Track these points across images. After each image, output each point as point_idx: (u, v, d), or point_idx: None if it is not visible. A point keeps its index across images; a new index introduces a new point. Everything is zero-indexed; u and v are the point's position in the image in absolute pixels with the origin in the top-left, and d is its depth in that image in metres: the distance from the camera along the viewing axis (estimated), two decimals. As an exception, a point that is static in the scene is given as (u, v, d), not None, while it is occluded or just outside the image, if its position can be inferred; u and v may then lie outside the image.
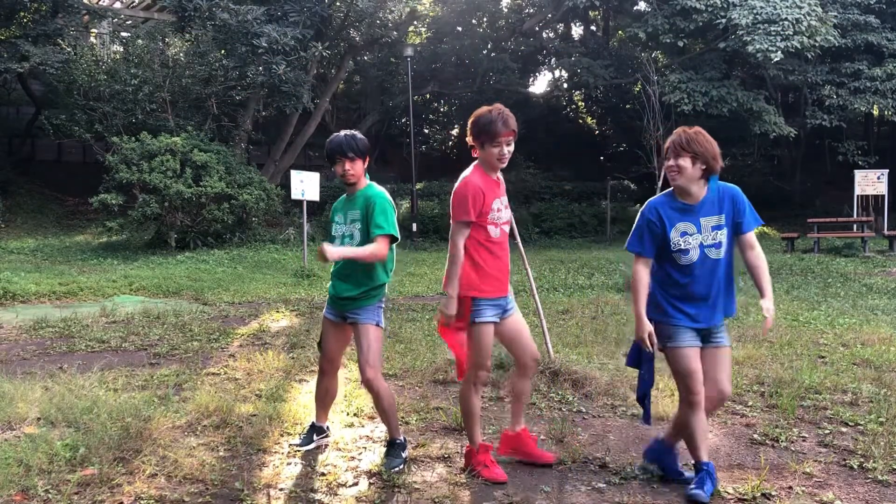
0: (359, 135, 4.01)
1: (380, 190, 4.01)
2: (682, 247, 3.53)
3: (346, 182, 3.99)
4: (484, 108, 3.73)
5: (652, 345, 3.51)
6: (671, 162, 3.51)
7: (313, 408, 4.33)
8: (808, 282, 12.01)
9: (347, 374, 5.78)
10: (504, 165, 3.71)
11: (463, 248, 3.65)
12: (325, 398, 4.24)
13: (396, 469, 3.79)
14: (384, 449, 4.01)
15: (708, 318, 3.54)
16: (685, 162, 3.46)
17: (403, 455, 3.90)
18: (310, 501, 3.47)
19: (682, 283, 3.55)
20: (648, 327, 3.51)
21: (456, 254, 3.65)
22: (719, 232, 3.53)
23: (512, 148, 3.69)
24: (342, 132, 4.03)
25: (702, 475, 3.53)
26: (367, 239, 3.87)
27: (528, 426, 4.04)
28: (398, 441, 3.94)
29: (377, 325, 3.94)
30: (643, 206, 3.66)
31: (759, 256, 3.57)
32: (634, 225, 3.65)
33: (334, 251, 3.73)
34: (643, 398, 3.73)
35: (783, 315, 8.60)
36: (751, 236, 3.58)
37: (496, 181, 3.80)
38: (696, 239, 3.53)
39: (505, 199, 3.81)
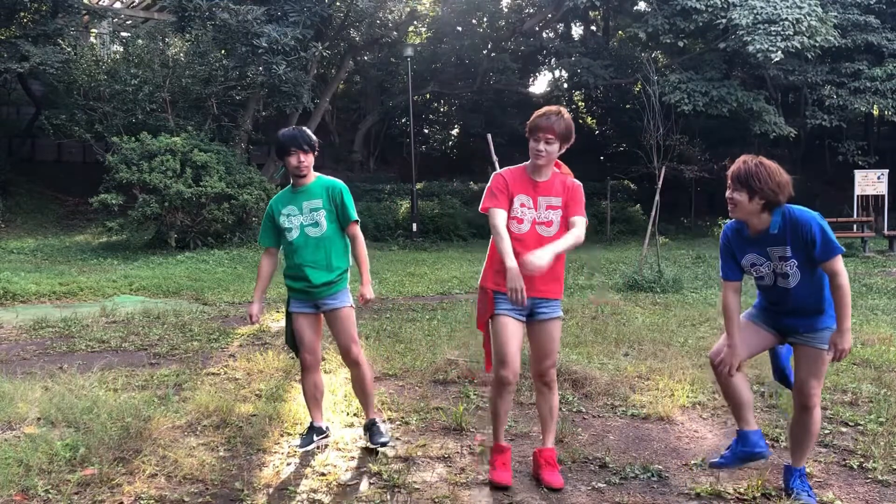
0: (307, 129, 4.19)
1: (335, 178, 4.23)
2: (755, 274, 3.51)
3: (299, 174, 4.10)
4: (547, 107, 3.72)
5: (730, 374, 3.45)
6: (728, 193, 3.38)
7: (308, 411, 4.32)
8: (808, 282, 12.00)
9: (347, 375, 5.78)
10: (540, 162, 3.65)
11: (500, 229, 3.57)
12: (315, 394, 4.24)
13: (387, 442, 4.05)
14: (377, 442, 4.09)
15: (781, 322, 3.53)
16: (741, 196, 3.32)
17: (384, 429, 4.15)
18: (310, 501, 3.47)
19: (765, 299, 3.59)
20: (740, 357, 3.45)
21: (494, 235, 3.60)
22: (785, 263, 3.38)
23: (553, 148, 3.61)
24: (290, 127, 4.21)
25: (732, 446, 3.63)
26: (335, 224, 4.11)
27: (543, 432, 3.82)
28: (376, 421, 4.17)
29: (351, 306, 4.17)
30: (721, 235, 3.63)
31: (836, 287, 3.29)
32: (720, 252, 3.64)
33: (368, 290, 4.11)
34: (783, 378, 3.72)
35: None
36: (829, 266, 3.29)
37: (534, 181, 3.69)
38: (767, 267, 3.45)
39: (551, 199, 3.65)
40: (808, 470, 3.81)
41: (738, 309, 3.50)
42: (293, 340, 4.22)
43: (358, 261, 4.16)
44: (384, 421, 4.35)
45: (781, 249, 3.37)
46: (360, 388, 4.22)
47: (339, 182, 4.19)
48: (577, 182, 3.76)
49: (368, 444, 4.10)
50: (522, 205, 3.64)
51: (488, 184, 3.73)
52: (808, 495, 3.46)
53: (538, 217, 3.64)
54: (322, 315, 4.19)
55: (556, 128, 3.58)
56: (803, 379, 3.46)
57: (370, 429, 4.15)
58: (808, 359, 3.45)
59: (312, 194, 4.11)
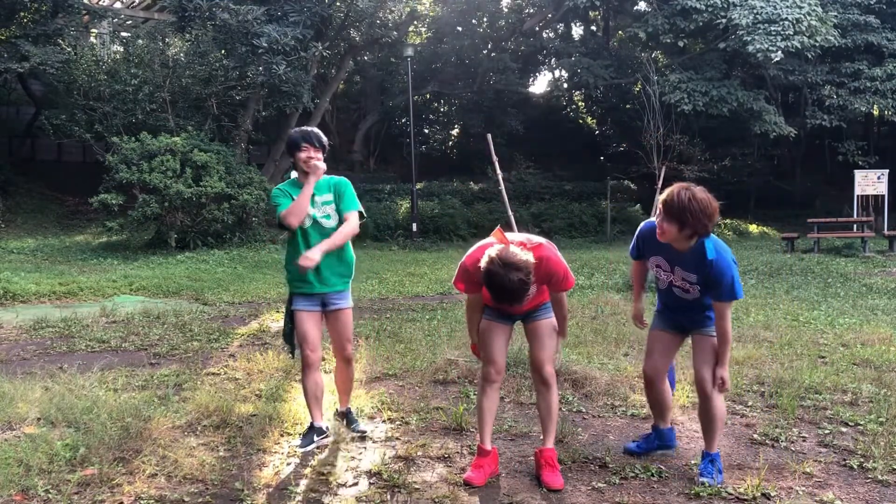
0: (318, 130, 4.33)
1: (339, 176, 4.40)
2: (652, 271, 3.86)
3: (307, 170, 4.20)
4: (490, 267, 3.35)
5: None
6: (659, 220, 3.51)
7: (308, 410, 4.33)
8: (808, 282, 12.00)
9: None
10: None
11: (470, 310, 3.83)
12: (316, 392, 4.28)
13: (364, 429, 4.38)
14: (357, 430, 4.39)
15: (679, 321, 3.90)
16: (670, 227, 3.45)
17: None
18: (310, 501, 3.47)
19: (661, 301, 3.98)
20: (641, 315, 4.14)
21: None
22: (689, 285, 3.66)
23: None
24: (304, 127, 4.41)
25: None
26: (341, 218, 4.24)
27: (543, 432, 3.84)
28: (350, 410, 4.54)
29: (352, 307, 4.40)
30: (640, 227, 3.88)
31: (720, 330, 3.61)
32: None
33: (315, 253, 4.03)
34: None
35: (783, 315, 8.60)
36: (720, 307, 3.57)
37: None
38: (666, 276, 3.75)
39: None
40: (808, 470, 3.82)
41: (644, 276, 4.06)
42: (292, 337, 4.31)
43: (336, 233, 4.16)
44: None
45: (688, 275, 3.60)
46: (346, 381, 4.51)
47: (344, 179, 4.34)
48: (552, 258, 3.59)
49: (348, 428, 4.40)
50: None
51: (459, 267, 3.66)
52: (712, 477, 3.63)
53: None
54: (323, 313, 4.31)
55: (510, 294, 3.39)
56: (697, 368, 3.75)
57: (347, 416, 4.49)
58: (701, 348, 3.73)
59: (322, 189, 4.25)
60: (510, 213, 7.43)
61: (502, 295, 3.38)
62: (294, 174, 4.35)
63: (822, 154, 26.74)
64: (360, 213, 4.29)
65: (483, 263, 3.39)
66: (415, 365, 6.05)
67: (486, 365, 3.81)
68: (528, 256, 3.38)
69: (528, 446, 4.18)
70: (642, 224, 3.85)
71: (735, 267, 3.54)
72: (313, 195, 4.20)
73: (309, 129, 4.29)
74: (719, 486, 3.59)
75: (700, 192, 3.42)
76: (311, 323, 4.23)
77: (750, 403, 5.04)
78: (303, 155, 4.18)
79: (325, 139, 4.29)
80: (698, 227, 3.39)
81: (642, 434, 4.23)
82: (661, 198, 3.50)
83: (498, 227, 3.76)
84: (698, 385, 3.75)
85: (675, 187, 3.46)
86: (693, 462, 3.97)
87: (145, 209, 15.57)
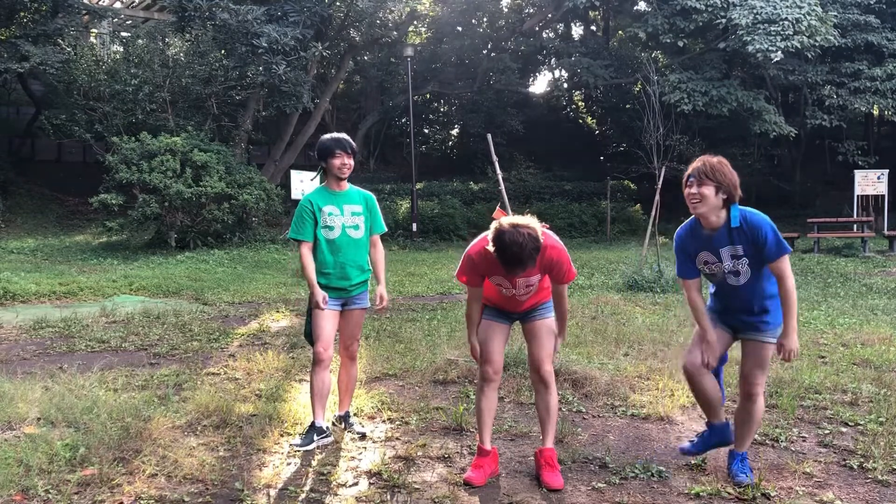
0: (348, 136, 4.46)
1: (368, 192, 4.58)
2: (707, 271, 3.70)
3: (341, 176, 4.34)
4: (499, 229, 3.37)
5: (710, 367, 3.76)
6: (693, 189, 3.52)
7: (311, 407, 4.35)
8: (808, 282, 12.00)
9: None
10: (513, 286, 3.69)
11: (471, 305, 3.84)
12: (322, 390, 4.31)
13: (363, 430, 4.40)
14: (355, 431, 4.41)
15: (733, 321, 3.78)
16: (708, 190, 3.49)
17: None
18: (310, 501, 3.47)
19: (717, 301, 3.83)
20: (716, 353, 3.74)
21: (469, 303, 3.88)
22: (738, 261, 3.56)
23: (535, 279, 3.67)
24: (334, 133, 4.47)
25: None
26: (367, 230, 4.46)
27: (542, 432, 3.85)
28: (349, 413, 4.55)
29: (367, 307, 4.54)
30: (675, 237, 3.78)
31: (784, 290, 3.48)
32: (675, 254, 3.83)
33: (385, 297, 4.52)
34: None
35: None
36: (777, 266, 3.48)
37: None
38: (717, 266, 3.62)
39: (529, 279, 3.64)
40: (808, 470, 3.82)
41: (703, 303, 3.76)
42: (311, 336, 4.37)
43: (379, 265, 4.52)
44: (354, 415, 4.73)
45: (733, 249, 3.55)
46: (349, 381, 4.53)
47: (373, 196, 4.57)
48: (555, 246, 3.60)
49: (347, 430, 4.41)
50: (499, 285, 3.72)
51: (462, 258, 3.71)
52: (746, 476, 3.64)
53: (517, 293, 3.72)
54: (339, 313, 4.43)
55: (521, 270, 3.45)
56: (748, 370, 3.72)
57: (346, 420, 4.49)
58: (754, 351, 3.70)
59: (353, 199, 4.42)
60: (510, 213, 7.45)
61: (512, 252, 3.31)
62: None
63: (822, 154, 26.73)
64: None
65: (491, 232, 3.43)
66: (415, 365, 6.05)
67: (485, 364, 3.82)
68: (534, 223, 3.44)
69: (528, 446, 4.18)
70: (676, 234, 3.76)
71: (772, 222, 3.51)
72: (343, 204, 4.35)
73: (340, 135, 4.37)
74: (751, 483, 3.57)
75: (723, 158, 3.59)
76: (328, 320, 4.31)
77: (750, 403, 5.04)
78: (337, 162, 4.29)
79: (354, 144, 4.41)
80: (729, 189, 3.48)
81: (697, 433, 4.02)
82: (690, 170, 3.58)
83: (498, 207, 3.80)
84: (743, 386, 3.72)
85: (699, 158, 3.59)
86: (693, 462, 3.97)
87: (145, 209, 15.57)
